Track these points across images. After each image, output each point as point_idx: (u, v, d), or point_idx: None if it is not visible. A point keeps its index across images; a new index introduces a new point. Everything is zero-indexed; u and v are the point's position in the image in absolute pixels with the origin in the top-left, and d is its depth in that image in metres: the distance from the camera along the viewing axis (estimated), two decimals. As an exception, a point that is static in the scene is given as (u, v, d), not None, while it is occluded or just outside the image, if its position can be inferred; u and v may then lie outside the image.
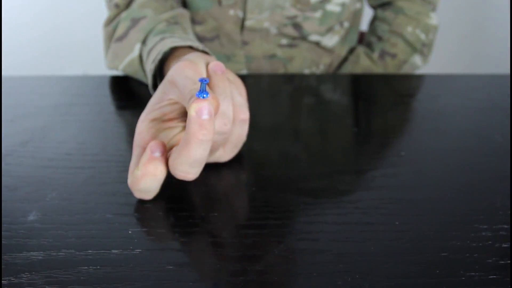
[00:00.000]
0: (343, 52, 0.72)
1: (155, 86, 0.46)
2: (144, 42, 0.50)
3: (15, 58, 1.71)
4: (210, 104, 0.28)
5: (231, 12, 0.63)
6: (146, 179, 0.32)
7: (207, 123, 0.28)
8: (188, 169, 0.30)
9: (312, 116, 0.48)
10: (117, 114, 0.49)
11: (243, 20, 0.64)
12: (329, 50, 0.70)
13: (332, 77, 0.64)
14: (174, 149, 0.32)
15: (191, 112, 0.28)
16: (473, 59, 1.72)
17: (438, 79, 0.59)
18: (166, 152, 0.32)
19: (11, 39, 1.70)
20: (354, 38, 0.74)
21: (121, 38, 0.53)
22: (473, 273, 0.28)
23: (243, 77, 0.61)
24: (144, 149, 0.33)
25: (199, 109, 0.28)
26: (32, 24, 1.71)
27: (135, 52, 0.51)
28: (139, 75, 0.53)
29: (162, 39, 0.47)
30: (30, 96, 0.53)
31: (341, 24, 0.68)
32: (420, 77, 0.60)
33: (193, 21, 0.65)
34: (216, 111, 0.29)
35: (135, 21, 0.52)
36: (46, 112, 0.49)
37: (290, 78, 0.60)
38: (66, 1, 1.65)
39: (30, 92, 0.54)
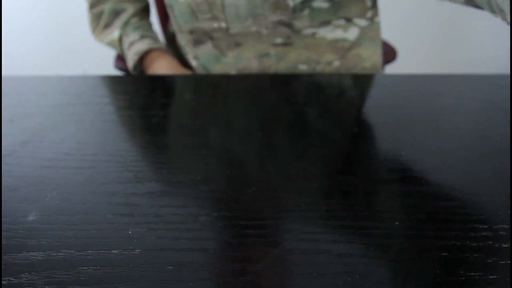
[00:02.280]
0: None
1: (134, 68, 0.72)
2: (122, 28, 0.73)
3: (15, 58, 1.71)
4: None
5: (215, 24, 0.64)
6: None
7: None
8: None
9: (312, 116, 0.48)
10: (117, 114, 0.49)
11: (227, 28, 0.64)
12: (331, 42, 0.67)
13: (332, 76, 0.64)
14: None
15: None
16: (473, 59, 1.72)
17: (438, 79, 0.59)
18: None
19: (11, 40, 1.70)
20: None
21: (107, 26, 0.75)
22: (473, 273, 0.28)
23: (243, 77, 0.61)
24: None
25: None
26: (32, 25, 1.70)
27: (115, 35, 0.74)
28: (116, 50, 0.76)
29: (141, 37, 0.72)
30: (29, 96, 0.53)
31: (348, 19, 0.66)
32: (420, 77, 0.60)
33: (188, 31, 0.68)
34: None
35: (116, 13, 0.74)
36: (45, 112, 0.49)
37: (291, 77, 0.60)
38: (66, 2, 1.65)
39: (30, 92, 0.54)
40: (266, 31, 0.64)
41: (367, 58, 0.70)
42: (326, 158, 0.41)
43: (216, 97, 0.54)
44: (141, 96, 0.54)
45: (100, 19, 0.75)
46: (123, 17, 0.74)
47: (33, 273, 0.28)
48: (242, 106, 0.51)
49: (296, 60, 0.68)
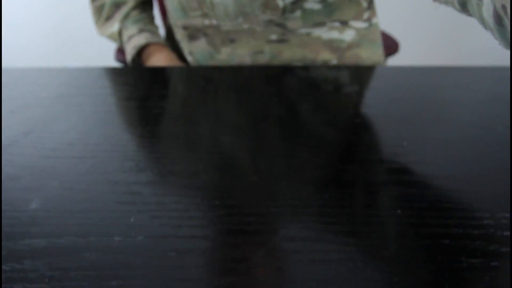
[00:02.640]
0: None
1: (133, 61, 0.72)
2: (122, 21, 0.73)
3: (16, 51, 1.71)
4: None
5: (206, 22, 0.63)
6: None
7: None
8: None
9: (315, 106, 0.48)
10: (118, 105, 0.49)
11: (219, 26, 0.64)
12: (327, 42, 0.66)
13: (335, 68, 0.64)
14: None
15: None
16: (475, 51, 1.71)
17: (440, 71, 0.59)
18: None
19: (12, 33, 1.70)
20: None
21: (108, 18, 0.74)
22: (475, 260, 0.28)
23: (246, 68, 0.61)
24: None
25: None
26: (33, 18, 1.70)
27: (115, 29, 0.73)
28: (116, 43, 0.76)
29: (140, 31, 0.71)
30: (31, 87, 0.53)
31: (343, 22, 0.64)
32: (423, 69, 0.60)
33: (182, 26, 0.68)
34: None
35: (117, 6, 0.73)
36: (47, 103, 0.49)
37: (293, 69, 0.60)
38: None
39: (31, 84, 0.54)
40: (260, 28, 0.63)
41: (367, 58, 0.69)
42: (329, 148, 0.41)
43: (219, 88, 0.54)
44: (142, 87, 0.54)
45: (102, 11, 0.75)
46: (123, 10, 0.73)
47: (36, 259, 0.28)
48: (243, 97, 0.51)
49: (290, 58, 0.66)
